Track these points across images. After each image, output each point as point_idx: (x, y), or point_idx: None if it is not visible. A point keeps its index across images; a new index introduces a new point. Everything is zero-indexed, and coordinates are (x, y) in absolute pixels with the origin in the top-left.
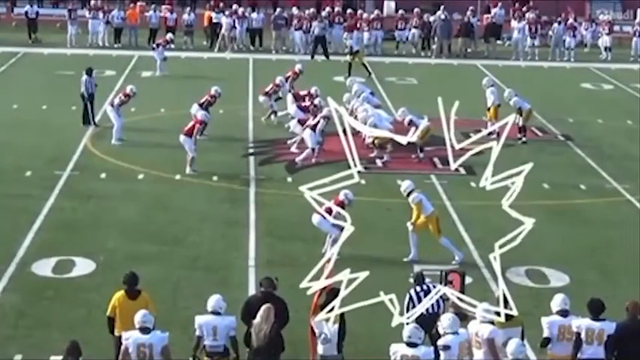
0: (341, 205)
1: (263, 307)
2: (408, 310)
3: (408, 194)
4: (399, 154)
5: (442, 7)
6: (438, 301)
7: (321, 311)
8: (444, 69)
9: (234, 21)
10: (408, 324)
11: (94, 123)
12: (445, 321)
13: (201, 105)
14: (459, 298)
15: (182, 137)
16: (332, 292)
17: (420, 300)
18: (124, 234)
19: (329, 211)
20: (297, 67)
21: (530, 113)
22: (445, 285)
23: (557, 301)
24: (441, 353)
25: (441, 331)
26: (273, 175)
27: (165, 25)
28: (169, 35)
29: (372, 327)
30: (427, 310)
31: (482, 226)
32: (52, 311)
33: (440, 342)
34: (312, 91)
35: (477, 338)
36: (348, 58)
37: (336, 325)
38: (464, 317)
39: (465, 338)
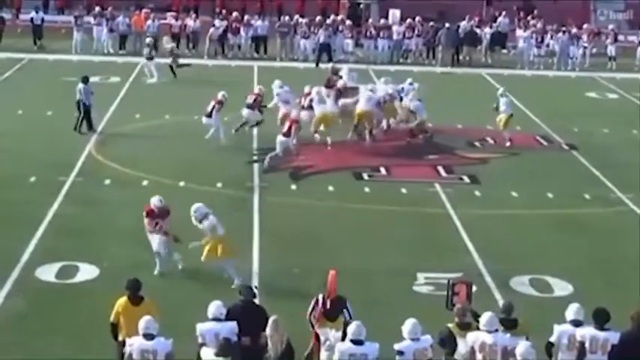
0: (151, 212)
1: (271, 320)
2: (311, 313)
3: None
4: (403, 161)
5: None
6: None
7: (326, 319)
8: (449, 78)
9: (228, 27)
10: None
11: (92, 128)
12: (406, 326)
13: (209, 113)
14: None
15: (281, 138)
16: (337, 300)
17: (324, 305)
18: (127, 240)
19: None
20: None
21: (508, 119)
22: (452, 295)
23: (571, 311)
24: (396, 358)
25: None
26: (278, 182)
27: (170, 32)
28: (171, 45)
29: (376, 333)
30: None
31: (486, 235)
32: (55, 316)
33: (396, 346)
34: None
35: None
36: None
37: (340, 332)
38: (468, 326)
39: (424, 346)
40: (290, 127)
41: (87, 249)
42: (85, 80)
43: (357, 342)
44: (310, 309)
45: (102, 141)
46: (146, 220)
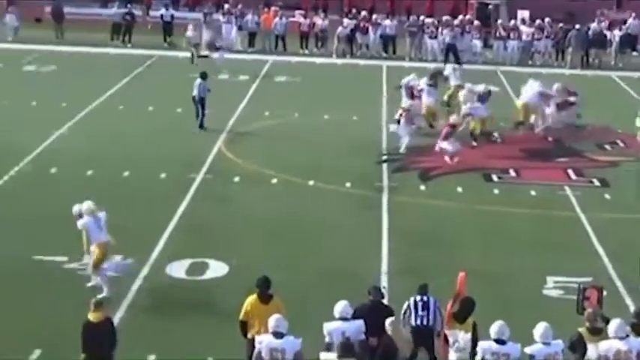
0: None
1: (387, 323)
2: (404, 318)
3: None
4: (533, 163)
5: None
6: (435, 315)
7: (455, 320)
8: (578, 80)
9: (356, 26)
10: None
11: (202, 126)
12: (538, 329)
13: (399, 121)
14: None
15: (440, 143)
16: (465, 301)
17: (416, 310)
18: (257, 238)
19: None
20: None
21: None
22: (583, 300)
23: None
24: None
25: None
26: (407, 182)
27: (299, 30)
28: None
29: None
30: (421, 322)
31: (616, 239)
32: (185, 313)
33: (526, 349)
34: None
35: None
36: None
37: (469, 334)
38: (599, 331)
39: (556, 350)
40: (447, 133)
41: (216, 246)
42: (204, 76)
43: (499, 341)
44: (402, 312)
45: (231, 139)
46: None
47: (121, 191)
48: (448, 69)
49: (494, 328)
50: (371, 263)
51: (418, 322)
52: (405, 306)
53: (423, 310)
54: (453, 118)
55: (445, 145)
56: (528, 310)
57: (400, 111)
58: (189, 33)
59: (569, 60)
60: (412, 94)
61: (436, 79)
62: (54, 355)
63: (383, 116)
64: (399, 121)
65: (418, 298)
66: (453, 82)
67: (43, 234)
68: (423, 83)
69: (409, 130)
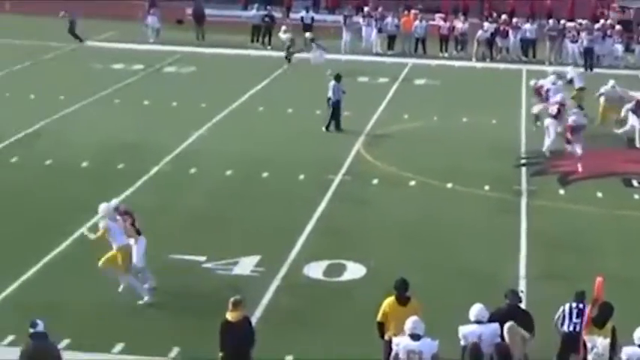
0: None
1: (506, 327)
2: (556, 324)
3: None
4: None
5: None
6: None
7: (593, 325)
8: None
9: (496, 30)
10: None
11: (339, 128)
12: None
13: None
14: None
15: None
16: (604, 306)
17: (571, 317)
18: (394, 240)
19: None
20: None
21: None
22: None
23: None
24: None
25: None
26: (545, 186)
27: (439, 33)
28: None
29: None
30: (574, 329)
31: None
32: (323, 314)
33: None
34: None
35: None
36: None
37: (608, 340)
38: None
39: None
40: (570, 133)
41: (354, 247)
42: (338, 78)
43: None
44: (556, 317)
45: (370, 141)
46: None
47: (260, 192)
48: (571, 72)
49: (639, 334)
50: (508, 267)
51: (571, 328)
52: (559, 311)
53: (577, 317)
54: (571, 120)
55: (570, 148)
56: None
57: (557, 106)
58: (282, 34)
59: None
60: (540, 94)
61: (560, 79)
62: (192, 353)
63: (522, 120)
64: (555, 116)
65: (574, 304)
66: (577, 85)
67: (182, 233)
68: (549, 83)
69: (558, 127)
